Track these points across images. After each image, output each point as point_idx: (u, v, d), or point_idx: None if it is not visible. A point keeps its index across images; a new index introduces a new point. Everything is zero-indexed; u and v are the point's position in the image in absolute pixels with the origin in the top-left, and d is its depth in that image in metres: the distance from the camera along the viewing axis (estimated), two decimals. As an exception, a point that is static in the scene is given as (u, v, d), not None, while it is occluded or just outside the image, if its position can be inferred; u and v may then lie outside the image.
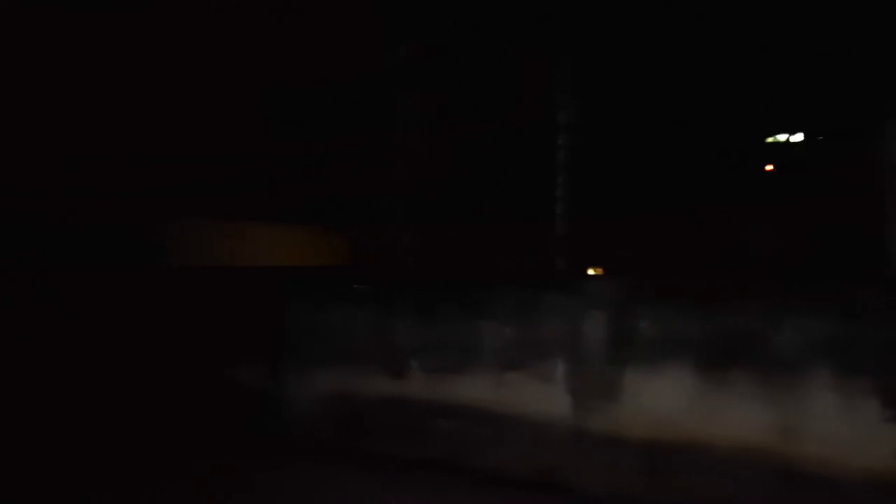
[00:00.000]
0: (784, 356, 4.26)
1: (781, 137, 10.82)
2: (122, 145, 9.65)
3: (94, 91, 8.97)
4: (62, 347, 6.69)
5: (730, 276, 8.14)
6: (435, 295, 5.35)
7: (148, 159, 9.86)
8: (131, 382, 6.46)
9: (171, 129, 9.73)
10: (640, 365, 4.66)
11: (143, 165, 9.85)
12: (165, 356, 6.41)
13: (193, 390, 6.24)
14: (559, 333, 4.93)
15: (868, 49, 5.19)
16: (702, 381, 4.48)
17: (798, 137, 10.75)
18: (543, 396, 4.90)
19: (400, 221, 6.30)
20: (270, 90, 9.62)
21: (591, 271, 10.64)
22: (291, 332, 5.88)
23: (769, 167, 11.03)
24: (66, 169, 9.38)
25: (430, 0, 6.99)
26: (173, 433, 6.03)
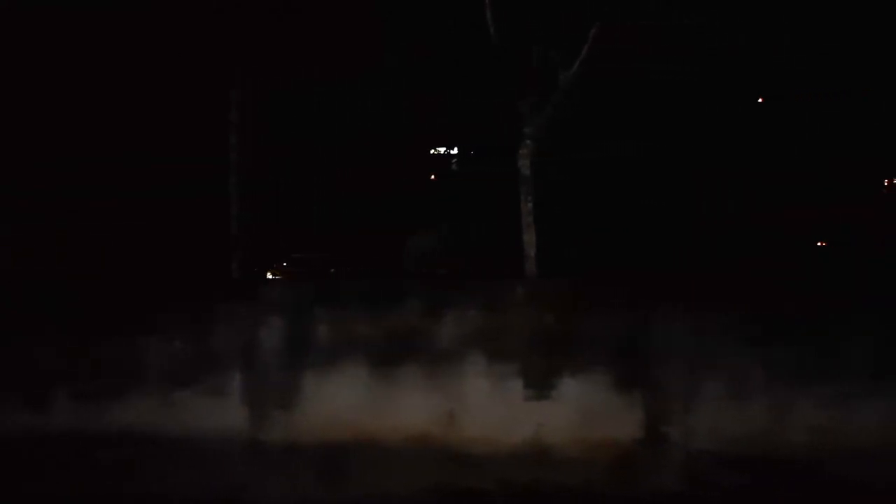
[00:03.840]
0: (444, 347, 4.65)
1: (442, 150, 11.91)
2: None
3: None
4: None
5: (400, 276, 8.68)
6: (86, 309, 4.76)
7: None
8: None
9: None
10: (317, 368, 4.70)
11: None
12: None
13: None
14: (234, 343, 4.74)
15: (507, 86, 5.98)
16: (375, 378, 4.68)
17: (454, 150, 11.94)
18: (217, 412, 4.66)
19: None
20: None
21: (269, 275, 10.46)
22: None
23: (432, 176, 12.06)
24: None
25: None
26: None
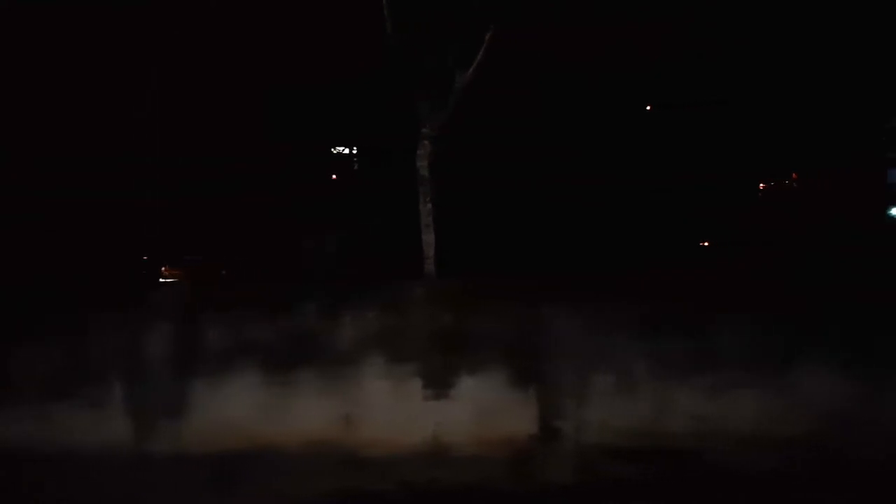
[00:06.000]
0: (341, 349, 4.59)
1: (344, 150, 11.86)
2: None
3: None
4: None
5: (296, 280, 8.53)
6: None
7: None
8: None
9: None
10: (208, 375, 4.54)
11: None
12: None
13: None
14: (118, 351, 4.50)
15: (407, 85, 5.98)
16: (270, 383, 4.55)
17: (354, 150, 11.94)
18: (99, 424, 4.41)
19: None
20: None
21: (161, 279, 10.05)
22: None
23: (334, 176, 11.99)
24: None
25: None
26: None
